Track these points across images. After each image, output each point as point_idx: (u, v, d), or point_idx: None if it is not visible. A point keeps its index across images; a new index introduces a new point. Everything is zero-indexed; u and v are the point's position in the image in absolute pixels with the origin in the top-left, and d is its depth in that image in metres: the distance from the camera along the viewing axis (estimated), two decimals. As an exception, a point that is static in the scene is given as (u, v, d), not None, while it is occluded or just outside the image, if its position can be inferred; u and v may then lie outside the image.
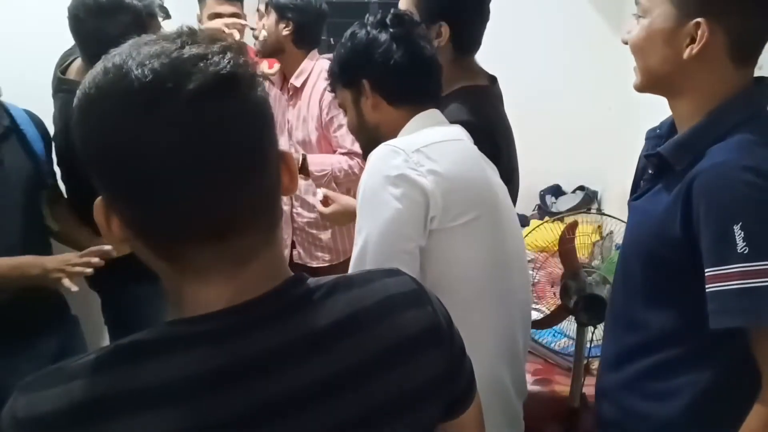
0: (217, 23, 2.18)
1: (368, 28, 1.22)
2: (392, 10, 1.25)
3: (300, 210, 2.15)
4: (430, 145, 1.11)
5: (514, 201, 1.45)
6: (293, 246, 2.20)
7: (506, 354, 1.20)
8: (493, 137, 1.40)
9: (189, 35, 0.53)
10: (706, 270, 0.89)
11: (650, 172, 1.06)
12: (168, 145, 0.49)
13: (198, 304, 0.56)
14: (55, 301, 1.68)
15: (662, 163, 1.01)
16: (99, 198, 0.55)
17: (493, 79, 1.62)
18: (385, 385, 0.60)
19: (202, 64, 0.50)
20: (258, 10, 2.04)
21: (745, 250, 0.85)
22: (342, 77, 1.26)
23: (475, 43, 1.58)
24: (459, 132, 1.23)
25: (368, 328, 0.61)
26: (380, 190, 1.07)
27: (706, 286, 0.89)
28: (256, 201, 0.56)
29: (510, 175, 1.38)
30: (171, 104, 0.49)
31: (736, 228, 0.85)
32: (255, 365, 0.55)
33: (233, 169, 0.52)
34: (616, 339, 1.14)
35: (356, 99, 1.24)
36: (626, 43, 1.03)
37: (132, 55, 0.51)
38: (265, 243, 0.58)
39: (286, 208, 2.16)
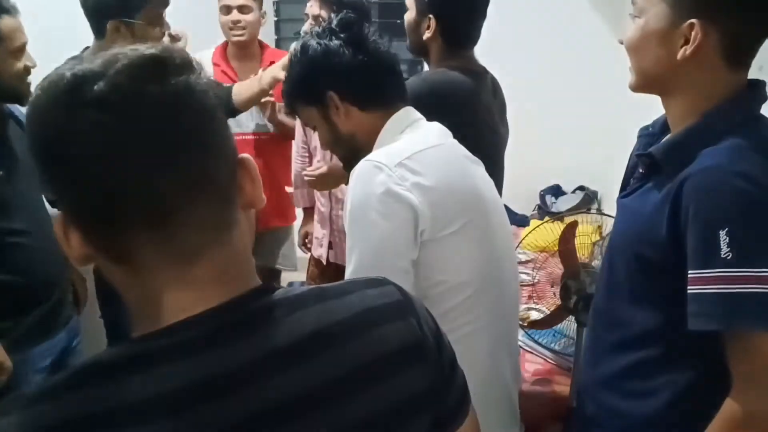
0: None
1: (317, 39, 1.18)
2: (332, 16, 1.21)
3: (341, 213, 2.17)
4: (412, 156, 1.09)
5: (499, 191, 1.47)
6: (330, 246, 2.24)
7: (504, 348, 1.22)
8: (455, 100, 1.41)
9: (148, 46, 0.54)
10: (689, 272, 0.90)
11: (641, 171, 1.07)
12: (91, 127, 0.50)
13: (156, 315, 0.54)
14: (69, 301, 1.75)
15: (653, 163, 1.01)
16: (59, 213, 0.55)
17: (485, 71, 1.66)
18: (360, 405, 0.56)
19: (130, 52, 0.52)
20: (319, 16, 2.05)
21: (729, 255, 0.85)
22: (304, 94, 1.21)
23: (466, 37, 1.61)
24: (438, 133, 1.20)
25: (340, 345, 0.57)
26: (367, 209, 1.06)
27: (688, 288, 0.90)
28: (196, 190, 0.53)
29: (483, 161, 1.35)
30: (93, 88, 0.50)
31: (722, 233, 0.86)
32: (213, 386, 0.52)
33: (158, 150, 0.51)
34: (596, 336, 1.14)
35: (325, 113, 1.19)
36: (622, 43, 1.03)
37: (81, 59, 0.53)
38: (216, 242, 0.55)
39: (325, 209, 2.21)
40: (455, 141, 1.23)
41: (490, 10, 1.63)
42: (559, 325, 1.74)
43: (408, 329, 0.61)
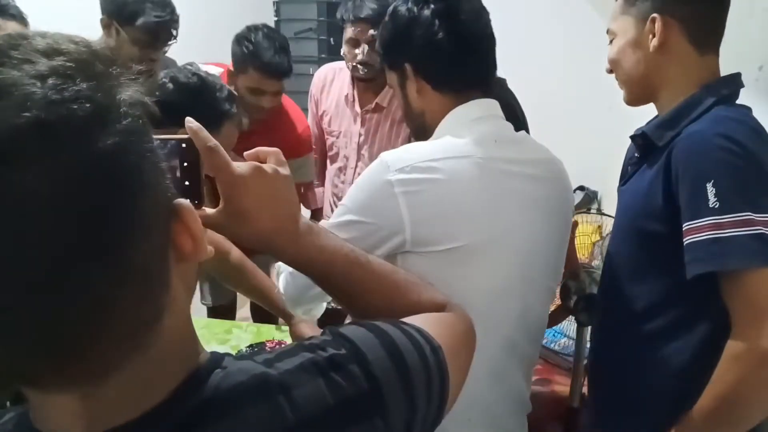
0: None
1: (409, 4, 1.10)
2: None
3: None
4: (431, 160, 1.01)
5: None
6: None
7: (491, 374, 1.11)
8: None
9: (18, 43, 0.37)
10: (684, 224, 0.98)
11: (636, 155, 1.17)
12: None
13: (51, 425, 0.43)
14: None
15: (646, 142, 1.13)
16: None
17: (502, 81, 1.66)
18: None
19: (3, 103, 0.34)
20: (363, 41, 2.01)
21: (716, 204, 0.95)
22: (386, 59, 1.17)
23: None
24: (482, 142, 1.06)
25: None
26: (355, 200, 1.05)
27: (684, 240, 0.98)
28: (117, 287, 0.39)
29: None
30: None
31: (709, 185, 0.95)
32: None
33: (46, 265, 0.36)
34: (604, 315, 1.22)
35: (402, 83, 1.14)
36: (610, 72, 1.18)
37: None
38: (139, 347, 0.42)
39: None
40: (506, 153, 1.08)
41: (491, 10, 1.64)
42: (559, 325, 1.74)
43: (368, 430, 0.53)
